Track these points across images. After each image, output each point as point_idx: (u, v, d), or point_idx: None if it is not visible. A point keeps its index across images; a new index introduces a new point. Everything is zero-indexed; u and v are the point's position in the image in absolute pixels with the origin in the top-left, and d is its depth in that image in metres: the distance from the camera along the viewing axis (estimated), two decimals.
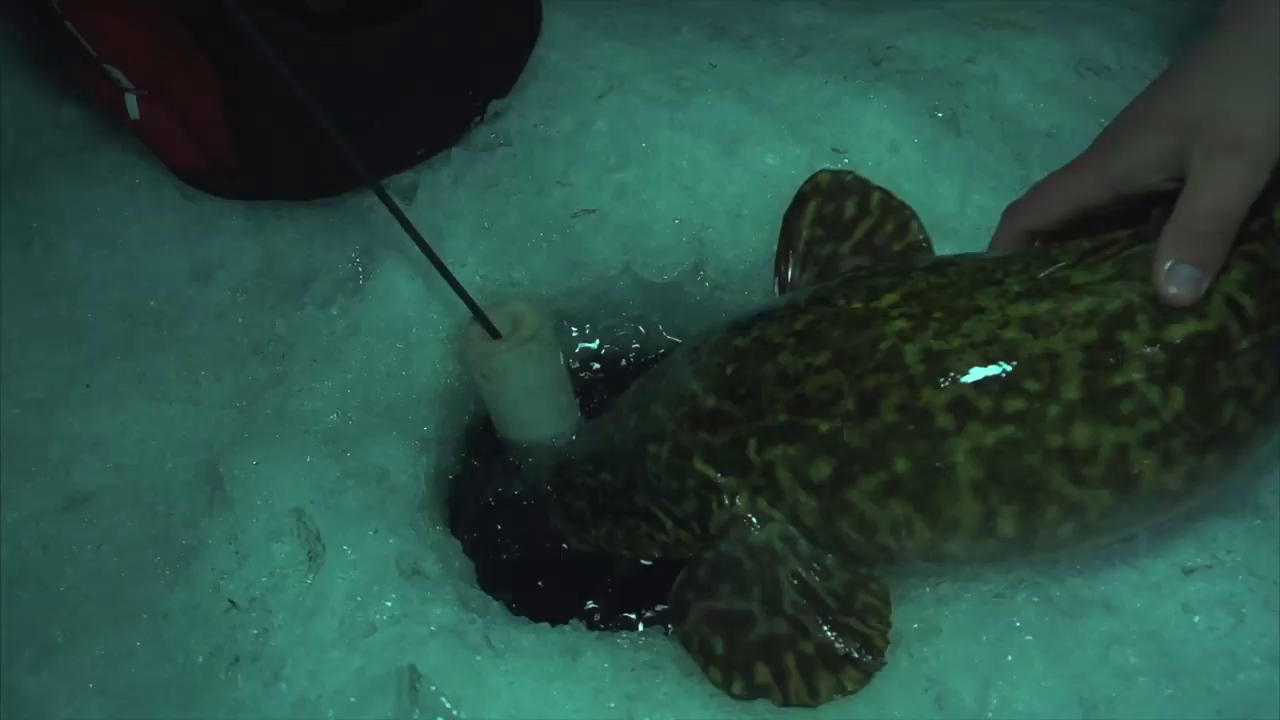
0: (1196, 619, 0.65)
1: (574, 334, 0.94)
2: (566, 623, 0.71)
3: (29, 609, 0.73)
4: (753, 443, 0.65)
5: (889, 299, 0.65)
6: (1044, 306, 0.61)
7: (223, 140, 0.86)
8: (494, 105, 0.93)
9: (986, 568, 0.68)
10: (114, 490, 0.79)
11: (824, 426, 0.63)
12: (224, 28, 0.65)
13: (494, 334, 0.77)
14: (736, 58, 0.96)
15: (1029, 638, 0.65)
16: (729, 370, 0.68)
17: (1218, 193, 0.59)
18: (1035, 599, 0.67)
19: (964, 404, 0.60)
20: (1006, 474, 0.60)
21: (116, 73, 0.85)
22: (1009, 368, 0.60)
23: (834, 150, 0.89)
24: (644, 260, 0.89)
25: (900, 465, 0.62)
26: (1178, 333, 0.60)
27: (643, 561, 0.79)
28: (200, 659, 0.68)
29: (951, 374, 0.61)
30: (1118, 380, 0.59)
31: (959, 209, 0.87)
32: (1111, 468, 0.59)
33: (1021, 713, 0.62)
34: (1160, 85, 0.65)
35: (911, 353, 0.62)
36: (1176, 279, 0.59)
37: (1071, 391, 0.60)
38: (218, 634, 0.69)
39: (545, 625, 0.70)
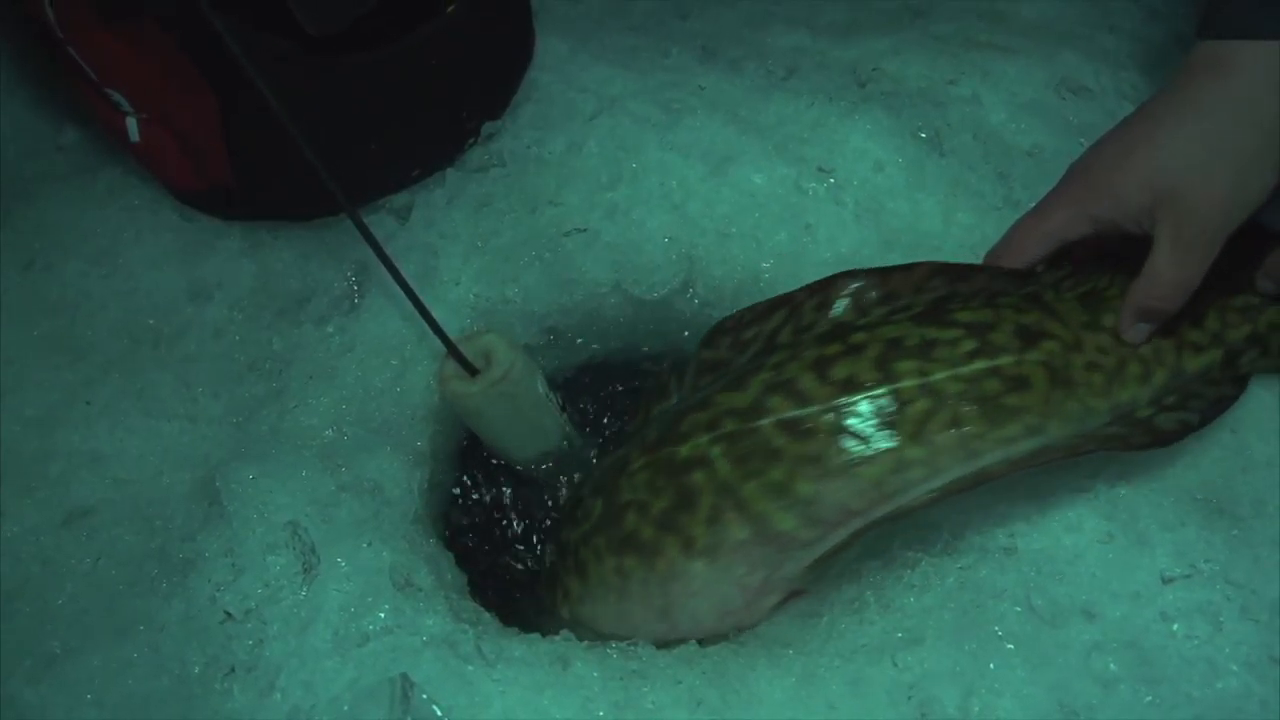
0: (1175, 627, 0.66)
1: (565, 349, 0.96)
2: (557, 633, 0.72)
3: (28, 621, 0.73)
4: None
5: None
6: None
7: (222, 162, 0.88)
8: (487, 127, 0.95)
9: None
10: (112, 505, 0.79)
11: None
12: (223, 51, 0.67)
13: (469, 369, 0.79)
14: (725, 80, 0.98)
15: (1011, 646, 0.66)
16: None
17: (1177, 274, 0.68)
18: (1017, 608, 0.68)
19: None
20: (593, 578, 0.74)
21: (117, 96, 0.86)
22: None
23: (820, 170, 0.90)
24: (634, 278, 0.90)
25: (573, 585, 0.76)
26: (604, 460, 0.78)
27: None
28: (196, 670, 0.69)
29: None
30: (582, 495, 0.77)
31: (943, 227, 0.88)
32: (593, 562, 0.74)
33: None
34: (1137, 132, 0.70)
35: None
36: (1136, 331, 0.72)
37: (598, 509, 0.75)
38: (214, 645, 0.69)
39: (536, 635, 0.71)
